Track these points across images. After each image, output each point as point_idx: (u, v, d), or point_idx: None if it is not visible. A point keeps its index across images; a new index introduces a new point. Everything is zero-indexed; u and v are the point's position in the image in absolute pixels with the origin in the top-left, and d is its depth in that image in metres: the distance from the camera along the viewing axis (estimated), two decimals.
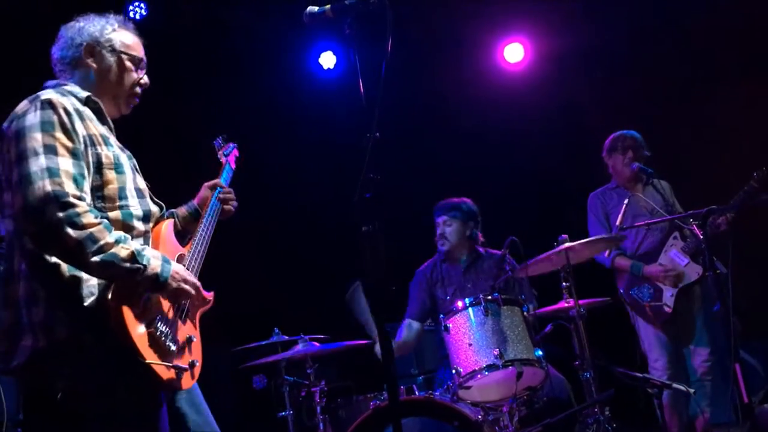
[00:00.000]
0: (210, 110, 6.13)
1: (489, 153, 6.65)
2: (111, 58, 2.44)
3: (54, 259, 2.11)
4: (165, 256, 2.24)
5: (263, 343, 4.35)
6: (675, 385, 3.96)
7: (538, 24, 6.65)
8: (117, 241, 2.10)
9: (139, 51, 2.53)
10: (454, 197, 4.81)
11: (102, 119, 2.38)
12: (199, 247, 2.52)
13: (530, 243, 3.94)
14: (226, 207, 2.78)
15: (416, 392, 3.88)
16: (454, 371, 3.70)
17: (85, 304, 2.11)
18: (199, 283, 2.37)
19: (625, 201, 4.45)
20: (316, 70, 6.85)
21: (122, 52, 2.46)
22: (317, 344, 4.18)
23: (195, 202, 2.80)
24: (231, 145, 3.16)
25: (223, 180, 2.89)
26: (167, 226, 2.46)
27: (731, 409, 4.80)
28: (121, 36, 2.48)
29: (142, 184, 2.41)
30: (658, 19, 6.26)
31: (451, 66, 6.69)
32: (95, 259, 2.05)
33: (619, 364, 4.02)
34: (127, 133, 2.50)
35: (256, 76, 6.41)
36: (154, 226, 2.40)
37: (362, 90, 2.43)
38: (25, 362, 2.09)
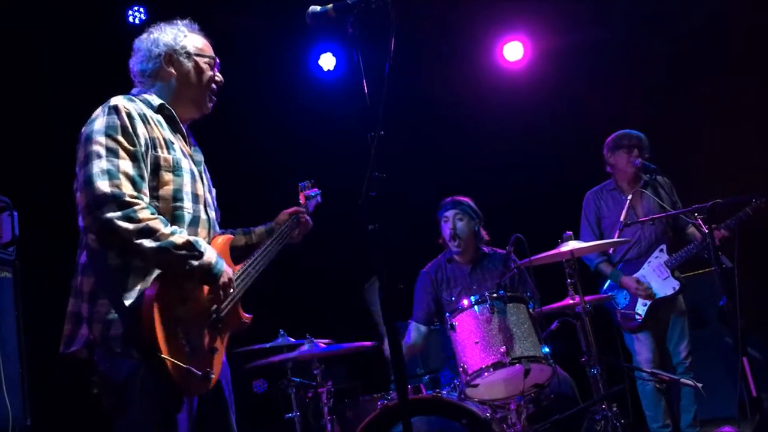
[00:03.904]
0: (209, 113, 6.10)
1: (489, 151, 6.65)
2: (188, 63, 2.59)
3: (108, 259, 2.23)
4: (218, 254, 2.37)
5: (267, 345, 4.33)
6: (683, 380, 3.96)
7: (537, 22, 6.66)
8: (173, 232, 2.24)
9: (210, 51, 2.66)
10: (456, 195, 4.78)
11: (174, 126, 2.51)
12: (249, 269, 2.60)
13: (534, 240, 3.92)
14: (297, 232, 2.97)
15: (423, 391, 3.87)
16: (461, 369, 3.67)
17: (125, 303, 2.20)
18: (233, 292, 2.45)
19: (629, 197, 4.42)
20: (317, 71, 6.86)
21: (197, 55, 2.60)
22: (323, 344, 4.17)
23: (273, 223, 2.95)
24: (316, 190, 3.26)
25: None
26: (223, 241, 2.56)
27: (736, 403, 4.80)
28: (192, 40, 2.63)
29: (200, 190, 2.51)
30: (659, 15, 6.25)
31: (450, 65, 6.69)
32: (152, 245, 2.18)
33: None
34: None
35: (256, 79, 6.41)
36: (209, 237, 2.50)
37: (366, 89, 2.44)
38: (80, 350, 2.27)
